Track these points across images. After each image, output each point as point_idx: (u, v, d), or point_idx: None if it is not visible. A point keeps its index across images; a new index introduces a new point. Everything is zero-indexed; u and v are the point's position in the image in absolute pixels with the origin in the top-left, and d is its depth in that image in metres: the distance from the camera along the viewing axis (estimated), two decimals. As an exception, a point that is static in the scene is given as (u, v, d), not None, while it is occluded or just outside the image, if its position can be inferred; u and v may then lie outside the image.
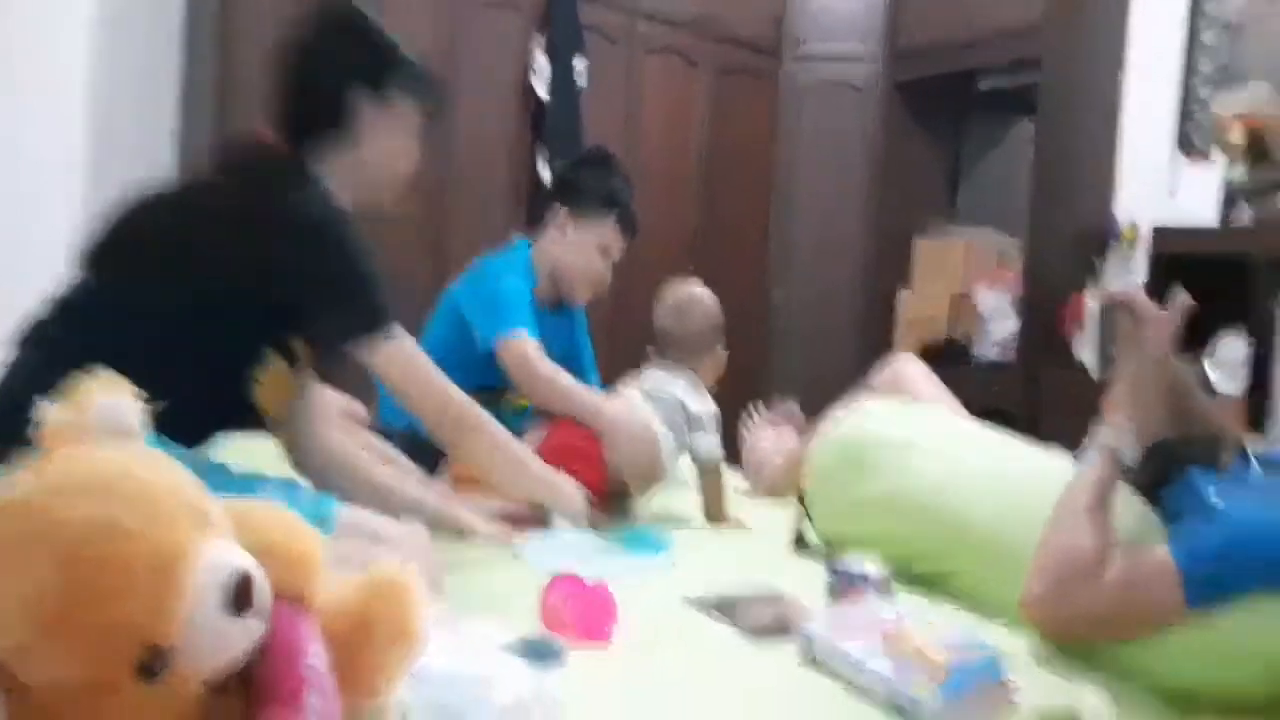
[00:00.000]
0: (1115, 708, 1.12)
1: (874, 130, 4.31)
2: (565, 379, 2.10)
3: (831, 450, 1.81)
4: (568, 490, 1.77)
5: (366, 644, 0.91)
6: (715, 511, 2.00)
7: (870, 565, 1.45)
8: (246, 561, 0.80)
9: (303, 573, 0.87)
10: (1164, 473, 1.46)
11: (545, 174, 3.78)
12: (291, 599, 0.86)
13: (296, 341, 1.58)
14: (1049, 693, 1.18)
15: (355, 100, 1.58)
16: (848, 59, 4.37)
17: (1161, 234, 3.35)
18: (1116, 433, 1.40)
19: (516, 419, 2.20)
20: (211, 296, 1.45)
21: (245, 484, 1.40)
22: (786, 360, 4.35)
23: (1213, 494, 1.38)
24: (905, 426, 1.78)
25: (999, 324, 3.77)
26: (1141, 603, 1.26)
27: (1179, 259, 3.21)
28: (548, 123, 3.78)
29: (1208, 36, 3.57)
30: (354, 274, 1.51)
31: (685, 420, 2.01)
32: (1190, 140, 3.61)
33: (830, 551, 1.70)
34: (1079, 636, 1.33)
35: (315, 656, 0.84)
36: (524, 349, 2.11)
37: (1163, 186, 3.59)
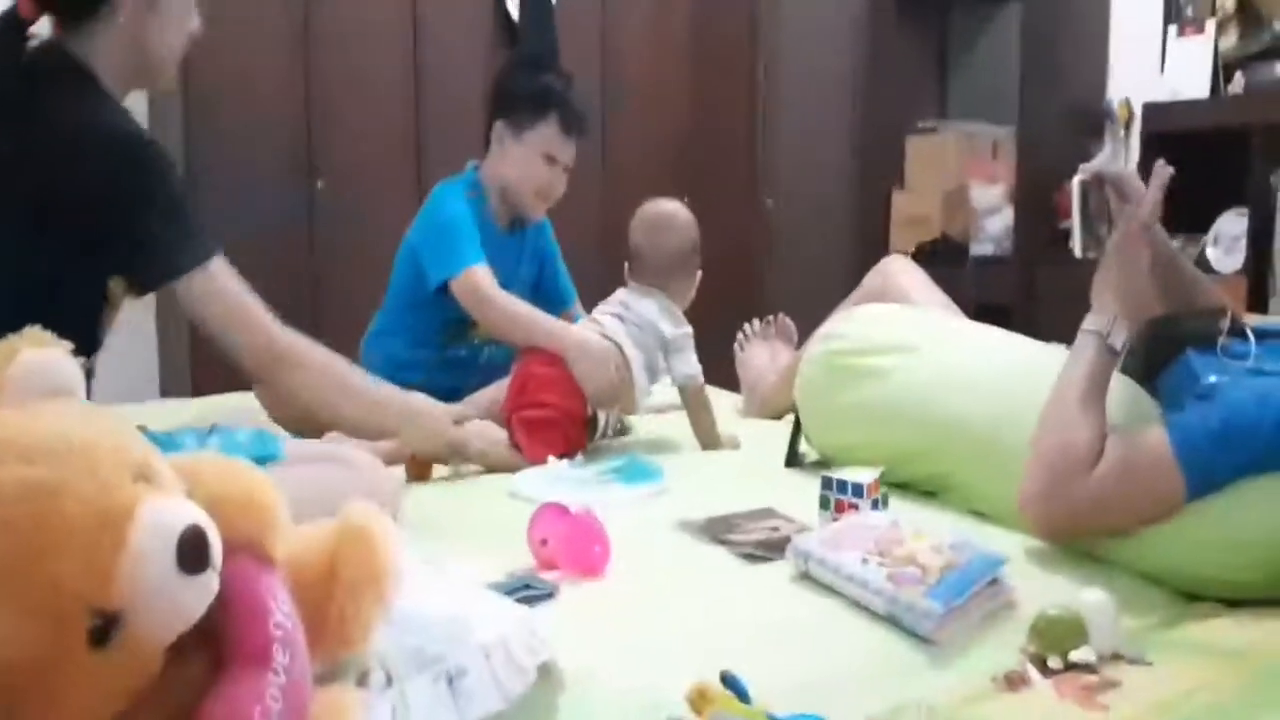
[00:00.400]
0: (1115, 604, 1.09)
1: (858, 25, 4.19)
2: (522, 307, 2.03)
3: (821, 361, 1.77)
4: (427, 417, 1.62)
5: (336, 592, 0.87)
6: (706, 436, 1.96)
7: (864, 475, 1.42)
8: (196, 516, 0.76)
9: (261, 524, 0.84)
10: (1158, 354, 1.42)
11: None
12: (252, 552, 0.83)
13: (113, 282, 1.42)
14: (1048, 592, 1.15)
15: None
16: (826, -48, 4.23)
17: (1153, 110, 3.26)
18: (1104, 317, 1.35)
19: (501, 353, 2.16)
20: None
21: (168, 441, 1.31)
22: (781, 268, 4.29)
23: (1211, 374, 1.34)
24: (895, 331, 1.74)
25: (994, 219, 3.70)
26: (1140, 493, 1.23)
27: (1173, 136, 3.13)
28: (519, 36, 3.67)
29: (1197, -98, 3.44)
30: (168, 201, 1.36)
31: (659, 344, 1.96)
32: (1181, 11, 3.50)
33: (828, 465, 1.68)
34: (1079, 532, 1.30)
35: (282, 611, 0.81)
36: (474, 281, 2.02)
37: (1154, 62, 3.49)
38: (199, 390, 2.86)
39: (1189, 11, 3.48)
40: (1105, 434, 1.28)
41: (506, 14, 3.67)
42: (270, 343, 1.44)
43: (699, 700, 0.92)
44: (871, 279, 2.09)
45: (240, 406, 2.02)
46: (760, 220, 4.38)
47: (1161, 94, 3.31)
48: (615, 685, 0.99)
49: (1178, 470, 1.21)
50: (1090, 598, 1.09)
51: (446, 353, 2.18)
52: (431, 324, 2.16)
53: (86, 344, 1.33)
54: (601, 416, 1.96)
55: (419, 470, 1.73)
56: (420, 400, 1.62)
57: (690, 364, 1.96)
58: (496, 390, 2.00)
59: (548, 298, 2.29)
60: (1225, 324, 1.40)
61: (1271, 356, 1.36)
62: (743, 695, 0.92)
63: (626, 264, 2.06)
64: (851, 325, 1.80)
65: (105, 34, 1.40)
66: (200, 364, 3.11)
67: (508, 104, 2.16)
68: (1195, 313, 1.46)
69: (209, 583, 0.76)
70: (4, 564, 0.69)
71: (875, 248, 4.06)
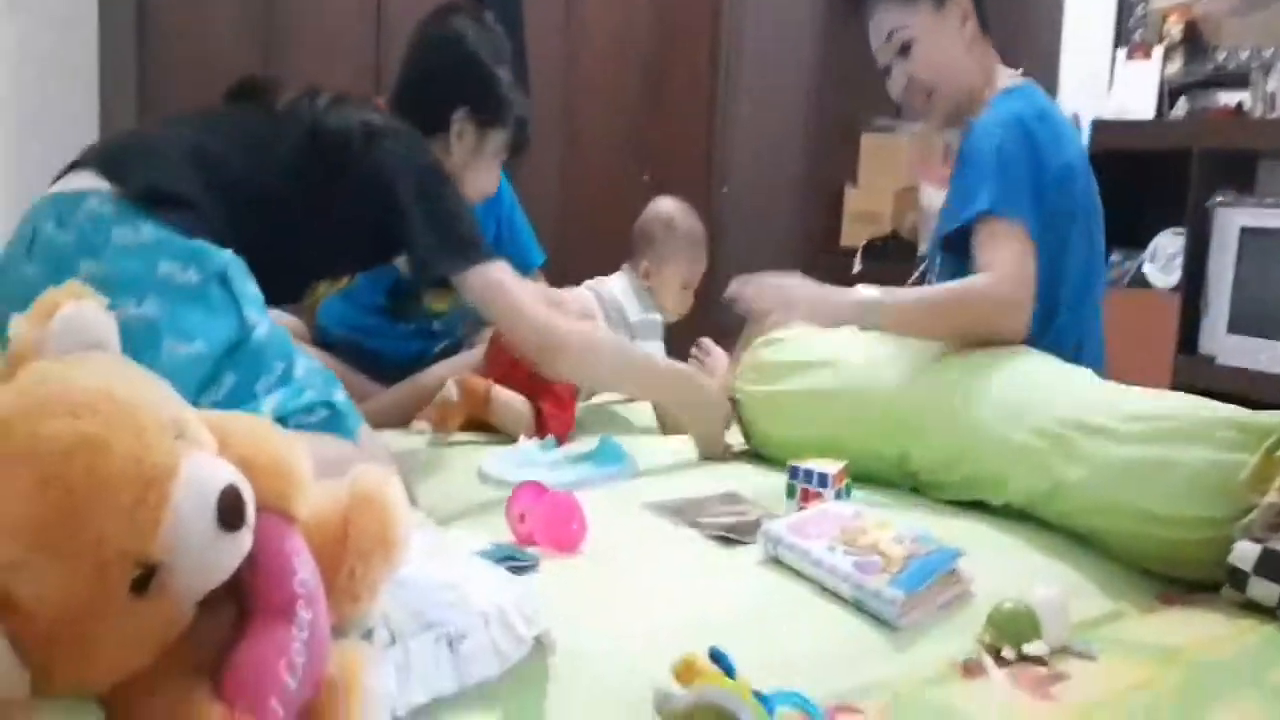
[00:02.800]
0: (1065, 600, 1.17)
1: (818, 20, 4.25)
2: None
3: (762, 359, 1.82)
4: (699, 385, 1.77)
5: (348, 553, 0.91)
6: (670, 424, 1.90)
7: (830, 465, 1.49)
8: (232, 474, 0.79)
9: (287, 485, 0.87)
10: None
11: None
12: (278, 512, 0.86)
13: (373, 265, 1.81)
14: (1002, 585, 1.23)
15: (462, 122, 1.77)
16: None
17: (1100, 127, 3.39)
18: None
19: (453, 319, 2.17)
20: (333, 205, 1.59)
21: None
22: (732, 254, 4.35)
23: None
24: (821, 345, 1.80)
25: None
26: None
27: (1118, 154, 3.25)
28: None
29: (1151, -72, 3.56)
30: (453, 208, 1.63)
31: (624, 327, 1.98)
32: (1130, 35, 3.63)
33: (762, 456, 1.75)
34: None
35: (306, 569, 0.84)
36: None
37: (1103, 82, 3.62)
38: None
39: (1138, 36, 3.61)
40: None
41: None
42: (536, 330, 1.63)
43: (686, 672, 0.97)
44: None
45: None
46: (713, 206, 4.44)
47: (1108, 112, 3.44)
48: (601, 657, 1.04)
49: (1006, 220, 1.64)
50: (1043, 594, 1.17)
51: (398, 326, 2.19)
52: (376, 293, 2.17)
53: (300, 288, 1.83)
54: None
55: (442, 420, 1.80)
56: (689, 374, 1.80)
57: (652, 352, 1.95)
58: (470, 357, 2.01)
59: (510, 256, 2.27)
60: None
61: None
62: (729, 671, 0.97)
63: None
64: (780, 346, 1.83)
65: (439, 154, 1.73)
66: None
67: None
68: None
69: (243, 540, 0.79)
70: (53, 516, 0.71)
71: (826, 240, 4.16)
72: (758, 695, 0.93)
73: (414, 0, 3.33)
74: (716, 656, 0.98)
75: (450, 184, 1.66)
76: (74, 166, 1.50)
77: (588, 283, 2.04)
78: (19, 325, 0.81)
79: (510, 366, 1.85)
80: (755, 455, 1.82)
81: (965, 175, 1.77)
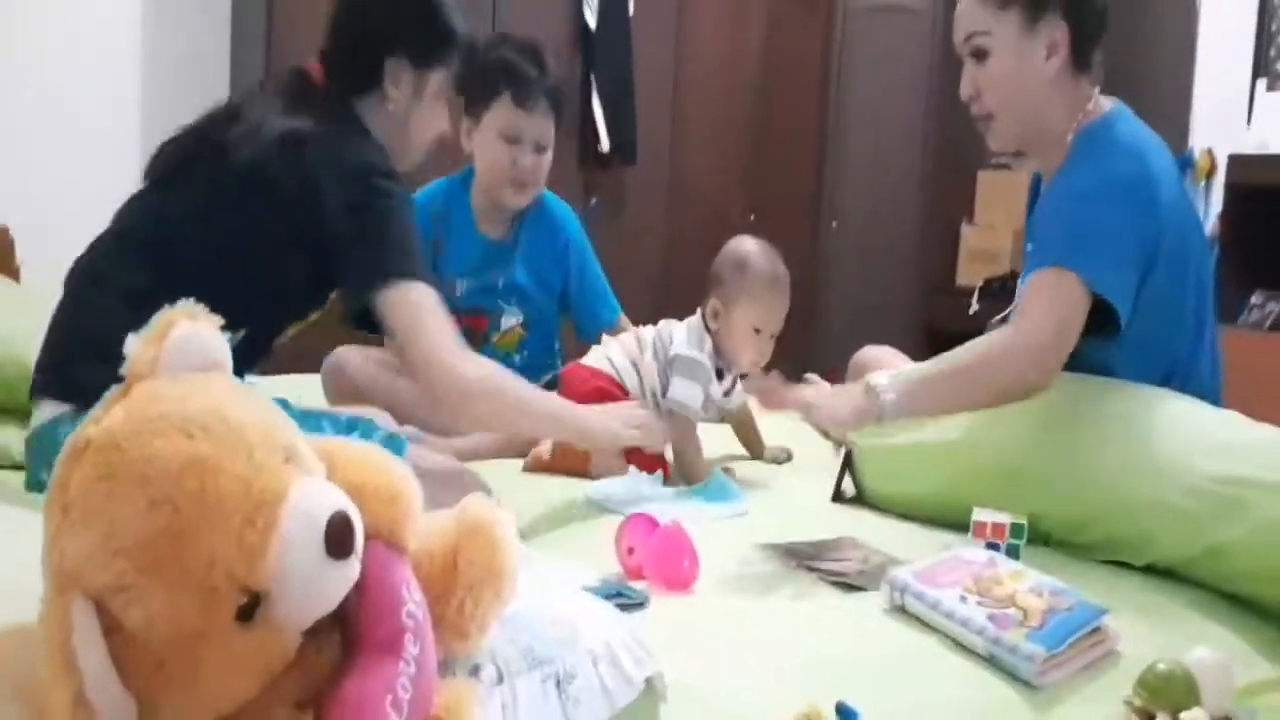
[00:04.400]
0: (1228, 665, 1.07)
1: (933, 55, 4.17)
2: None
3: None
4: (599, 427, 1.60)
5: (457, 586, 0.87)
6: (687, 469, 1.79)
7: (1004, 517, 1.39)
8: (343, 502, 0.76)
9: (397, 513, 0.84)
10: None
11: (596, 105, 3.70)
12: (387, 541, 0.83)
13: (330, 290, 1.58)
14: (1151, 647, 1.13)
15: (397, 70, 1.57)
16: (906, -19, 4.24)
17: (1238, 162, 3.22)
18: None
19: (514, 359, 2.12)
20: (262, 223, 1.45)
21: (311, 421, 1.37)
22: (841, 292, 4.27)
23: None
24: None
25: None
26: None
27: (1259, 189, 3.09)
28: (596, 52, 3.69)
29: (1294, -45, 3.40)
30: (384, 218, 1.46)
31: (663, 361, 1.82)
32: (1270, 66, 3.46)
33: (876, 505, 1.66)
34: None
35: (414, 601, 0.81)
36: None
37: (1240, 114, 3.45)
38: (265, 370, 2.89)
39: (1278, 66, 3.44)
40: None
41: (585, 26, 3.69)
42: (439, 373, 1.44)
43: (809, 726, 0.91)
44: (851, 370, 2.06)
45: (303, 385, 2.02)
46: (821, 243, 4.37)
47: (1247, 146, 3.27)
48: (715, 701, 0.99)
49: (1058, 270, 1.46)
50: (1202, 655, 1.07)
51: None
52: None
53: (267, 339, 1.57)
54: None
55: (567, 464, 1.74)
56: (586, 414, 1.62)
57: (680, 391, 1.78)
58: None
59: (581, 310, 2.18)
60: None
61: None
62: (856, 726, 0.90)
63: None
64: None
65: (376, 111, 1.57)
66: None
67: (463, 94, 2.03)
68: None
69: (351, 569, 0.76)
70: (161, 538, 0.69)
71: (942, 280, 4.04)
72: (888, 755, 0.86)
73: (529, 13, 3.49)
74: (843, 712, 0.91)
75: (385, 192, 1.47)
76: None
77: (663, 322, 1.92)
78: (136, 345, 0.80)
79: (600, 394, 1.78)
80: (853, 501, 1.72)
81: (1044, 226, 1.59)
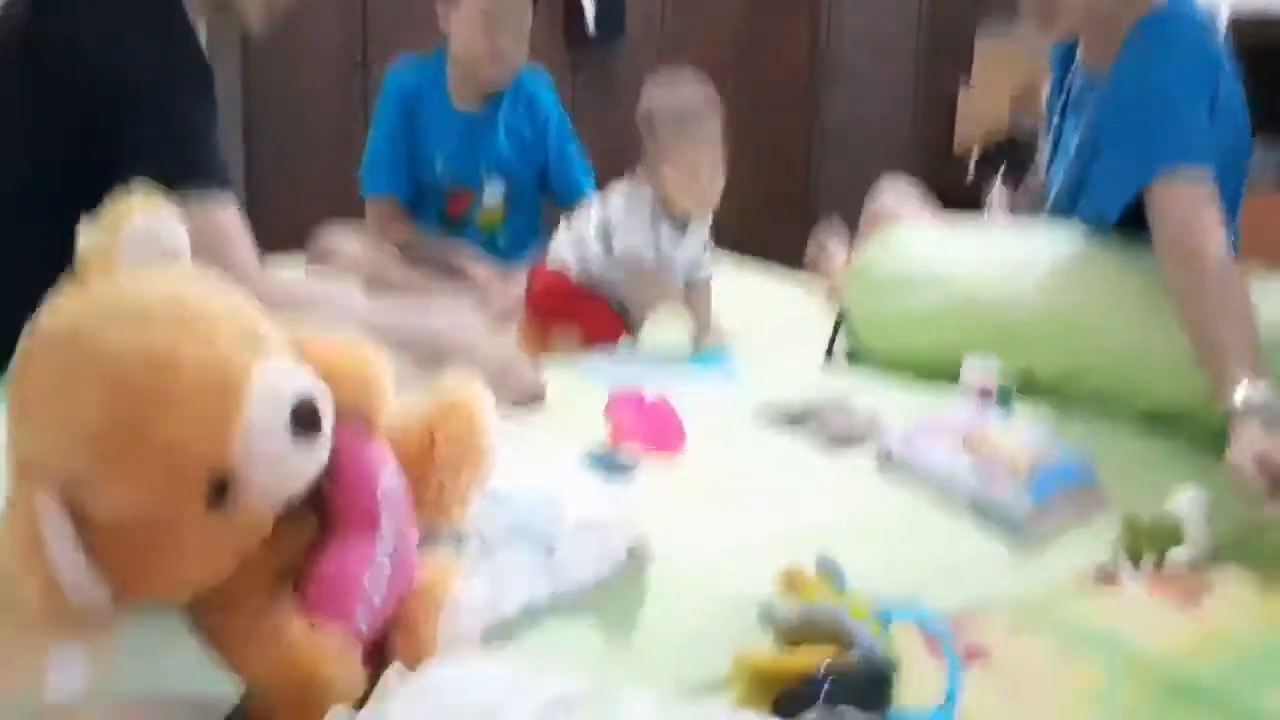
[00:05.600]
0: (1211, 503, 1.07)
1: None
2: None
3: (870, 272, 1.70)
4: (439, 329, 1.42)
5: (436, 464, 0.87)
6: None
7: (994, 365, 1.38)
8: (308, 381, 0.76)
9: (369, 393, 0.83)
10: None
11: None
12: (360, 421, 0.82)
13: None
14: (1140, 496, 1.13)
15: None
16: None
17: (1240, 25, 3.11)
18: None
19: (498, 240, 2.11)
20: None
21: None
22: (837, 163, 4.21)
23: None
24: (928, 254, 1.67)
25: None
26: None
27: (1261, 51, 2.99)
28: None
29: None
30: (190, 121, 1.26)
31: (604, 241, 1.73)
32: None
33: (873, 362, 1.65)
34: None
35: (389, 480, 0.81)
36: (372, 211, 2.10)
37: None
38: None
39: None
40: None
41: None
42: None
43: (792, 585, 0.91)
44: (869, 211, 1.99)
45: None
46: (820, 109, 4.28)
47: (1249, 4, 3.15)
48: (701, 566, 0.99)
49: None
50: (1187, 496, 1.07)
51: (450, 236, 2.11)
52: (429, 218, 2.13)
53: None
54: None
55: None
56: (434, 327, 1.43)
57: (622, 240, 1.69)
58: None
59: (560, 180, 2.15)
60: None
61: None
62: (839, 582, 0.91)
63: None
64: (885, 250, 1.72)
65: None
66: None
67: None
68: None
69: (321, 449, 0.76)
70: (123, 428, 0.69)
71: (939, 145, 3.96)
72: (870, 608, 0.87)
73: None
74: (825, 567, 0.92)
75: (197, 94, 1.28)
76: None
77: (602, 194, 1.81)
78: (91, 235, 0.78)
79: (551, 294, 1.74)
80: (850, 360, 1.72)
81: (1126, 123, 1.46)
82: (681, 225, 1.72)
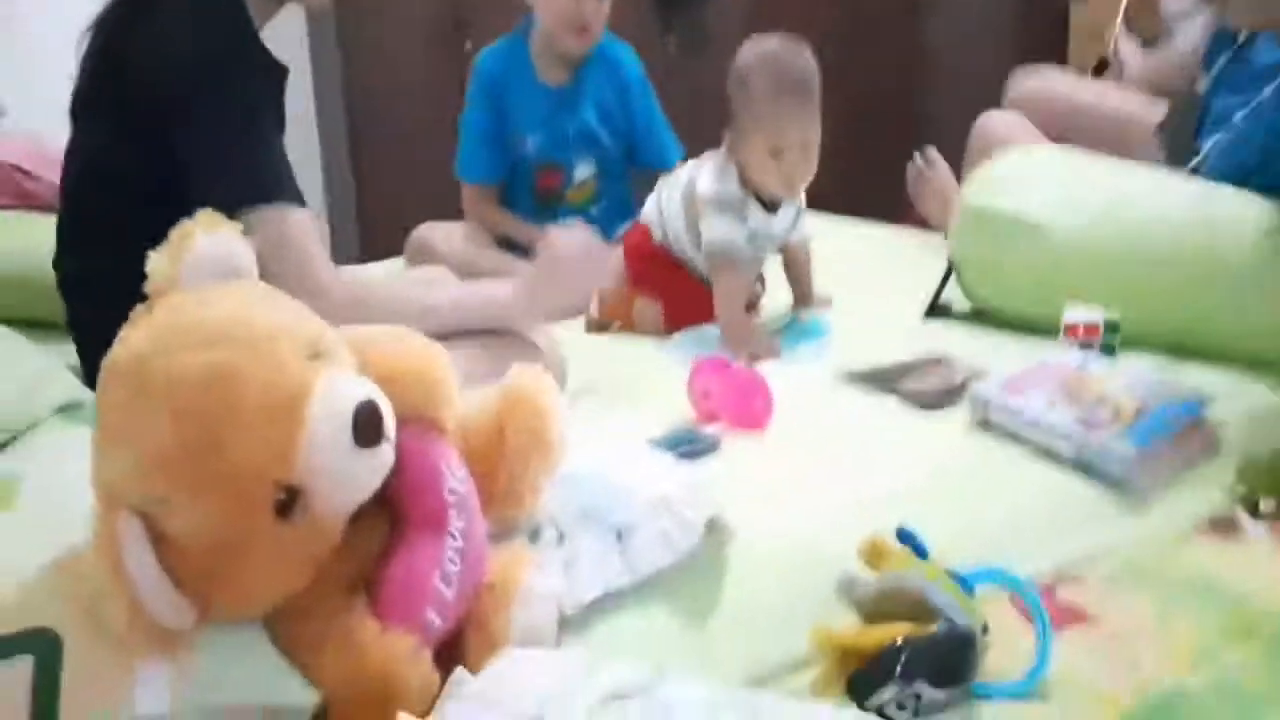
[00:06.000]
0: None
1: None
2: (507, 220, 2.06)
3: (974, 220, 1.60)
4: (505, 299, 1.37)
5: (505, 456, 0.89)
6: (723, 323, 1.60)
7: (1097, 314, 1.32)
8: (368, 390, 0.77)
9: (433, 395, 0.85)
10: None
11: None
12: (424, 423, 0.84)
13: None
14: (1258, 434, 1.06)
15: None
16: None
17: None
18: None
19: (591, 215, 2.06)
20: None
21: None
22: (941, 80, 4.03)
23: None
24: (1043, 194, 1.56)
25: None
26: None
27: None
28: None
29: None
30: (231, 128, 1.22)
31: (687, 202, 1.66)
32: None
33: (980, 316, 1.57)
34: None
35: (455, 477, 0.82)
36: (468, 197, 2.10)
37: None
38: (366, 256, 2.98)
39: None
40: None
41: None
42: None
43: (874, 556, 0.89)
44: (973, 143, 1.90)
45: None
46: (917, 21, 4.11)
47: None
48: (783, 539, 0.98)
49: None
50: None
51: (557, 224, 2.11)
52: (521, 202, 2.12)
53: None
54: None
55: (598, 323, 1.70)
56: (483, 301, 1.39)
57: (712, 230, 1.59)
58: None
59: (648, 151, 2.12)
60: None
61: None
62: (920, 551, 0.89)
63: None
64: (991, 184, 1.61)
65: None
66: (369, 231, 3.22)
67: None
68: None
69: (384, 455, 0.78)
70: (192, 450, 0.72)
71: (1052, 58, 3.77)
72: (953, 575, 0.84)
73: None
74: (905, 536, 0.89)
75: (255, 103, 1.25)
76: None
77: (694, 160, 1.73)
78: (155, 260, 0.81)
79: (646, 263, 1.70)
80: (976, 314, 1.64)
81: None
82: (772, 205, 1.63)
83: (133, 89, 1.22)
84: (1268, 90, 1.48)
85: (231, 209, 0.90)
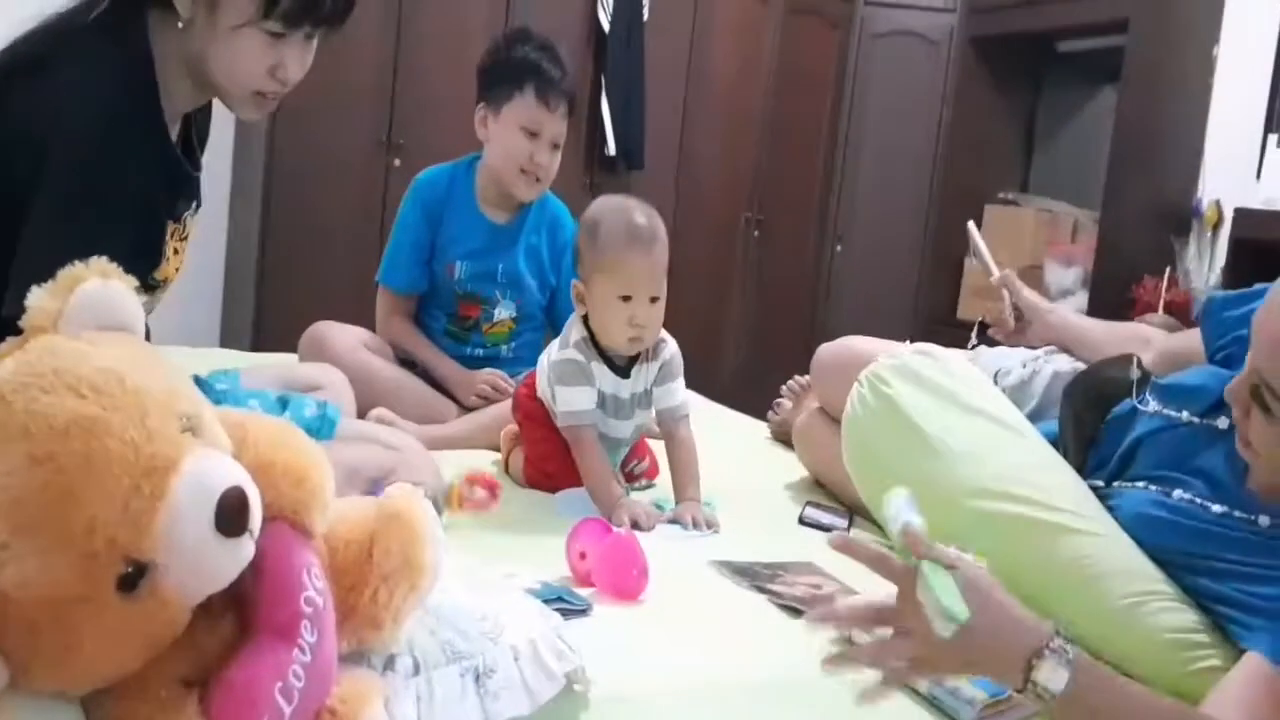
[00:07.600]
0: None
1: (946, 86, 4.16)
2: (410, 336, 2.09)
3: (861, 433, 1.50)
4: None
5: (372, 576, 0.83)
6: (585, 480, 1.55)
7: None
8: (240, 478, 0.72)
9: (304, 494, 0.80)
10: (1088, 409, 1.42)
11: (605, 108, 3.67)
12: (292, 523, 0.79)
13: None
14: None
15: None
16: (923, 7, 4.23)
17: (1244, 216, 3.17)
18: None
19: (502, 351, 2.11)
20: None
21: (240, 397, 1.33)
22: (840, 316, 4.24)
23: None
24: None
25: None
26: None
27: (1264, 245, 3.05)
28: (609, 55, 3.66)
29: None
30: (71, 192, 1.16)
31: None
32: (1282, 120, 3.41)
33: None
34: None
35: (314, 588, 0.77)
36: (382, 300, 2.12)
37: (1249, 168, 3.40)
38: (257, 347, 2.89)
39: (1289, 121, 3.40)
40: None
41: (600, 28, 3.67)
42: None
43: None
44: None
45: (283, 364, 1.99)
46: (830, 263, 4.35)
47: (1255, 201, 3.22)
48: (641, 704, 0.96)
49: None
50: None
51: (465, 351, 2.11)
52: (436, 319, 2.13)
53: None
54: None
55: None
56: None
57: (561, 401, 1.57)
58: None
59: (564, 312, 2.09)
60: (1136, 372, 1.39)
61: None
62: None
63: None
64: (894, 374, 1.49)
65: (163, 28, 1.26)
66: (264, 322, 3.14)
67: (483, 84, 2.05)
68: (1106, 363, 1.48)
69: (245, 548, 0.72)
70: (42, 496, 0.66)
71: (943, 310, 4.00)
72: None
73: (543, 8, 3.45)
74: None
75: (112, 180, 1.17)
76: None
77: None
78: (38, 296, 0.75)
79: (523, 414, 1.70)
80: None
81: None
82: (621, 366, 1.59)
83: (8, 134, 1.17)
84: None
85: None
